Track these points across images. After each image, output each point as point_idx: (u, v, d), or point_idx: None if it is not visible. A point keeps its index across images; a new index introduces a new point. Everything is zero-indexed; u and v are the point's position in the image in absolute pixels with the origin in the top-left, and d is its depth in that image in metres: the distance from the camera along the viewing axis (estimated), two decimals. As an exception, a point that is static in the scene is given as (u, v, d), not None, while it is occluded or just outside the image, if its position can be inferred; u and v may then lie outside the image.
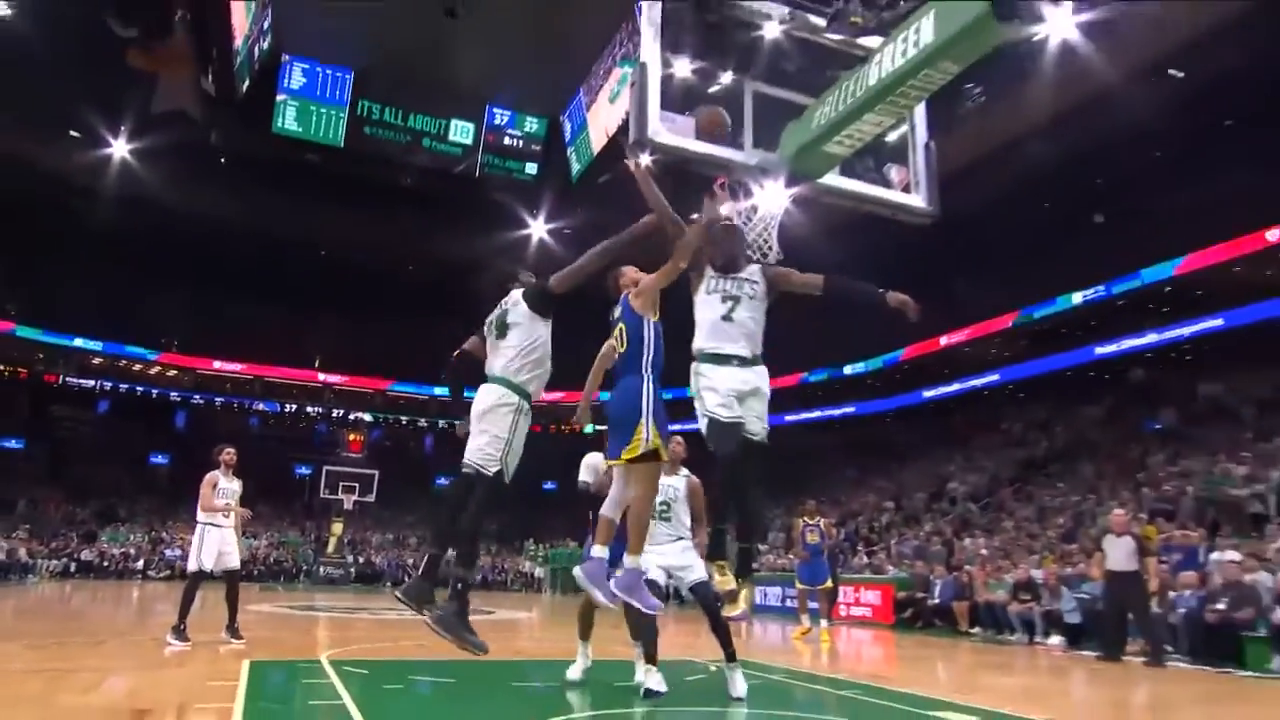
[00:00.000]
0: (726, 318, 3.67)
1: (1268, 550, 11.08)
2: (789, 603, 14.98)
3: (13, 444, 30.97)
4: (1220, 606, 9.76)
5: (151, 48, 20.66)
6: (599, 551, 3.87)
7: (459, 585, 3.92)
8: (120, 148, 25.31)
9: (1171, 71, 18.89)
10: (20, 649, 6.73)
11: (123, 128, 24.44)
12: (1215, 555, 11.09)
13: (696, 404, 3.69)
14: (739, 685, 4.79)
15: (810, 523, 11.59)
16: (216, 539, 7.44)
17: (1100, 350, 23.99)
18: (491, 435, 3.85)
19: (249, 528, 30.26)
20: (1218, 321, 21.26)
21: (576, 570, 4.11)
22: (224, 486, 7.61)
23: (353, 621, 11.53)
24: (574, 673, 5.27)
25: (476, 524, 3.95)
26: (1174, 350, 22.78)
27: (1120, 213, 23.38)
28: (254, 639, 7.62)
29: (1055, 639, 11.57)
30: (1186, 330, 21.99)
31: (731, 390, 3.53)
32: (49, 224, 27.61)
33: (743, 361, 3.63)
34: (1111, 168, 21.99)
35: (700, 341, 3.77)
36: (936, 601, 14.24)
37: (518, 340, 3.97)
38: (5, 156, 24.91)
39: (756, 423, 3.61)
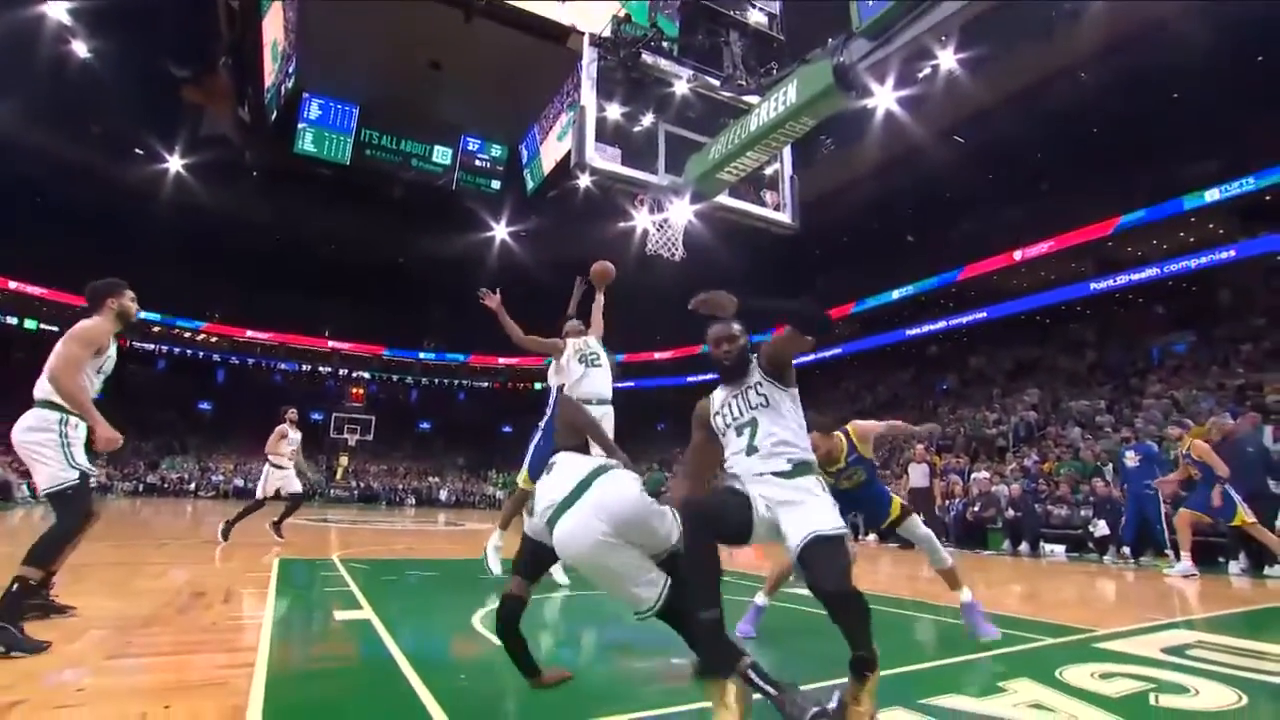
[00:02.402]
0: (747, 448, 2.16)
1: (1005, 470, 12.00)
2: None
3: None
4: (975, 509, 10.54)
5: (201, 85, 19.65)
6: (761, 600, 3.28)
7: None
8: (175, 163, 24.87)
9: (956, 137, 19.76)
10: (105, 548, 6.45)
11: (176, 147, 24.15)
12: (974, 475, 11.92)
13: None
14: None
15: None
16: (278, 476, 7.61)
17: (909, 332, 24.62)
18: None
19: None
20: (983, 314, 22.12)
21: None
22: (292, 436, 7.79)
23: (356, 530, 11.18)
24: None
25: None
26: (955, 334, 23.64)
27: (924, 234, 24.43)
28: (280, 541, 7.37)
29: (871, 536, 12.15)
30: (964, 319, 22.84)
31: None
32: (118, 221, 26.09)
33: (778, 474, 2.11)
34: (918, 202, 22.89)
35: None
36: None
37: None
38: (85, 168, 24.33)
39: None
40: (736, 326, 2.28)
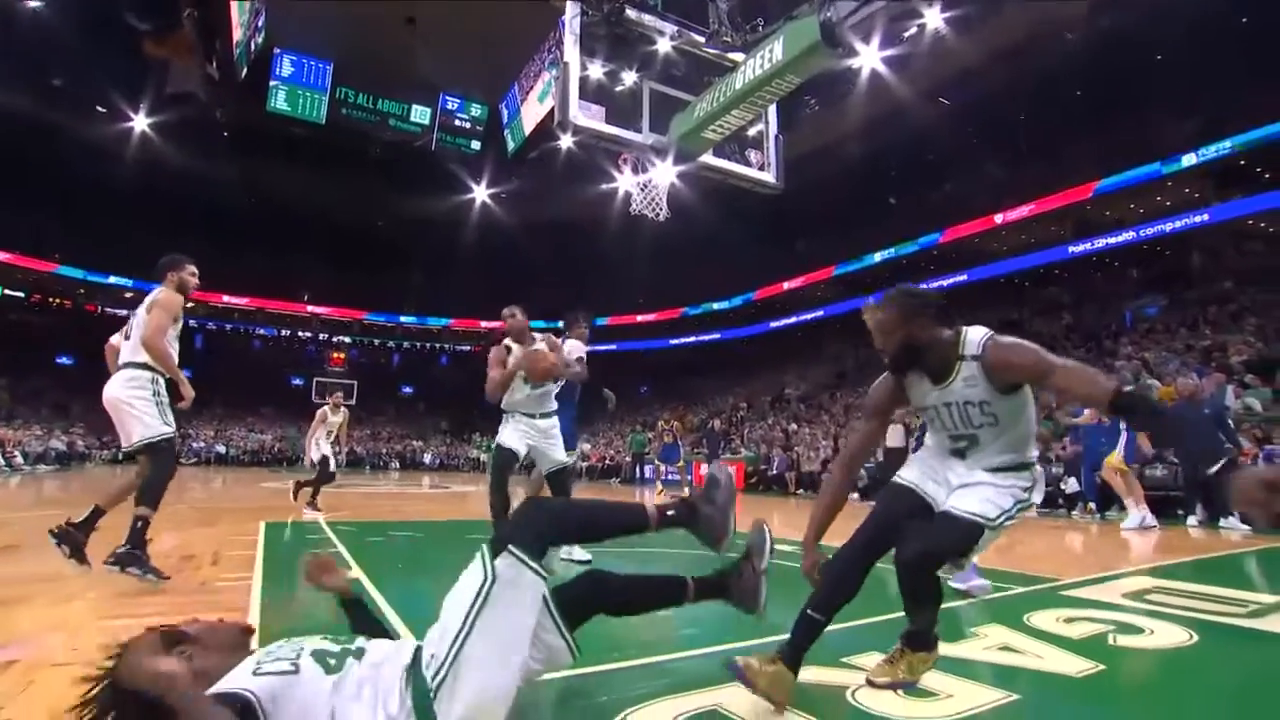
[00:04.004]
0: (957, 452, 1.90)
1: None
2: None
3: (67, 361, 29.08)
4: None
5: (163, 39, 18.68)
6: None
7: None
8: (140, 122, 23.88)
9: (940, 99, 19.57)
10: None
11: (142, 105, 23.14)
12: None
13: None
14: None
15: (667, 427, 12.39)
16: (325, 448, 7.91)
17: (889, 295, 24.90)
18: None
19: (258, 425, 29.46)
20: (964, 276, 22.14)
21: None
22: (331, 420, 8.01)
23: (341, 493, 11.18)
24: None
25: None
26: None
27: (906, 196, 24.36)
28: (265, 506, 7.49)
29: (851, 495, 12.51)
30: (946, 282, 22.58)
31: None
32: (85, 184, 25.10)
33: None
34: (901, 164, 22.74)
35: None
36: (775, 472, 14.92)
37: None
38: (43, 127, 23.08)
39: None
40: (889, 314, 1.92)
